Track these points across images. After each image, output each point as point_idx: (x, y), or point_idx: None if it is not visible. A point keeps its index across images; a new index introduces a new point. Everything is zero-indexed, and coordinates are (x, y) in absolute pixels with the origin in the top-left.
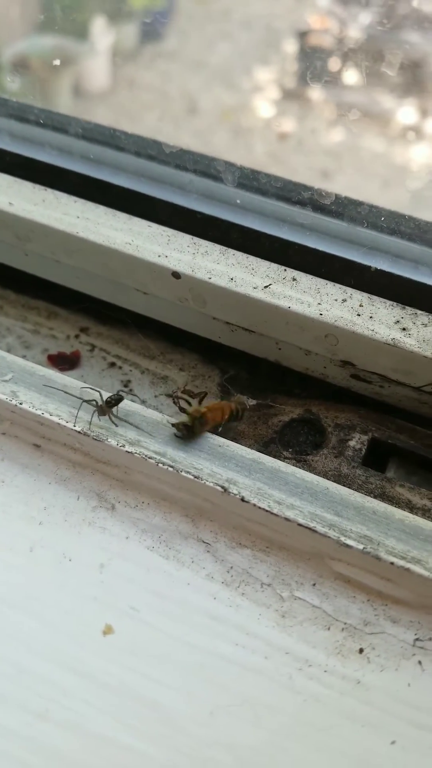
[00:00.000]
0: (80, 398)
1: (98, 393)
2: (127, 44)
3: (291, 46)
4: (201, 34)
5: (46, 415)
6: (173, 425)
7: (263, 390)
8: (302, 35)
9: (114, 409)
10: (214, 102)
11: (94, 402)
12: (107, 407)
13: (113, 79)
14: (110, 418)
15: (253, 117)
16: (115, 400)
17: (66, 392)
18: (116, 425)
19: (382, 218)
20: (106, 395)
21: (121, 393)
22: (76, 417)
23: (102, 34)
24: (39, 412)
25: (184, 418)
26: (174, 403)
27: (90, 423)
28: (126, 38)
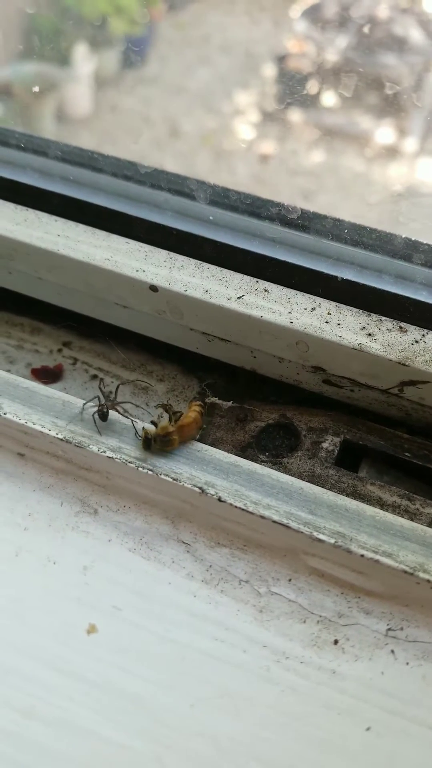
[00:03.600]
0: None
1: (98, 398)
2: (109, 70)
3: (270, 70)
4: (181, 59)
5: (30, 425)
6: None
7: (241, 398)
8: (280, 59)
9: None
10: (196, 125)
11: (97, 399)
12: (112, 404)
13: (96, 105)
14: (114, 408)
15: (234, 139)
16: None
17: (48, 402)
18: (100, 434)
19: (346, 230)
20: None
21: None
22: (82, 411)
23: (84, 60)
24: (23, 422)
25: (151, 430)
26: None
27: (95, 420)
28: (107, 64)
